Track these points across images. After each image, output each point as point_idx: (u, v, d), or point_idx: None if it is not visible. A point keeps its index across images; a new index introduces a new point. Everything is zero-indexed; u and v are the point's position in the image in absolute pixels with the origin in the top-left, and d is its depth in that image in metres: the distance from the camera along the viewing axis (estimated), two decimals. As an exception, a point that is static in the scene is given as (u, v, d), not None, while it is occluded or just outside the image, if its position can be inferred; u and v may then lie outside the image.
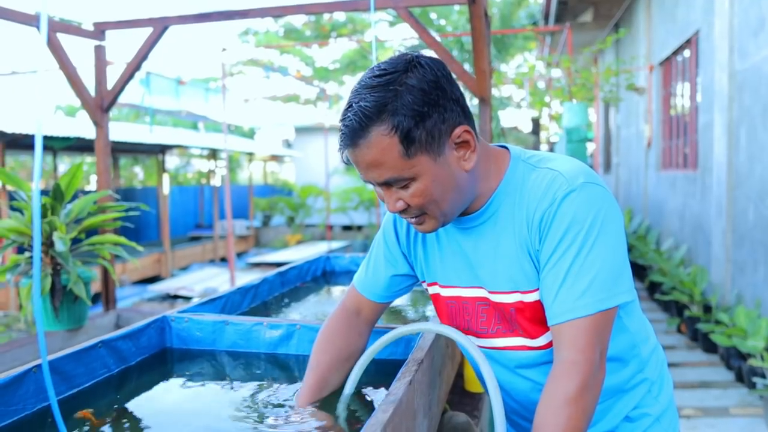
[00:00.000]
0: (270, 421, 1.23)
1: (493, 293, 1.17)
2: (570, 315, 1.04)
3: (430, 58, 1.07)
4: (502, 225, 1.14)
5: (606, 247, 1.05)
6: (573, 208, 1.06)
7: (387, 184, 1.07)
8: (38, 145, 0.85)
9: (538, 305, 1.13)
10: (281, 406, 1.31)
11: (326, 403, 1.28)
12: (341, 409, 1.25)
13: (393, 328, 1.44)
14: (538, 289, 1.12)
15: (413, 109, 1.01)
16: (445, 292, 1.26)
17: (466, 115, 1.09)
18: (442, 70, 1.06)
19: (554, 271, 1.06)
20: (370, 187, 1.15)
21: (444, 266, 1.25)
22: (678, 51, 7.62)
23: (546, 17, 10.93)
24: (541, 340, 1.16)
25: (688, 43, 7.14)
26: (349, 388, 1.29)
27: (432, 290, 1.30)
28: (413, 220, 1.13)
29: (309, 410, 1.25)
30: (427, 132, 1.03)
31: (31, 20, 3.13)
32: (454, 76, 1.11)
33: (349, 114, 1.03)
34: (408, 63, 1.04)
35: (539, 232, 1.09)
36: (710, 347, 5.19)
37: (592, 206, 1.06)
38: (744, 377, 4.42)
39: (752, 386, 4.24)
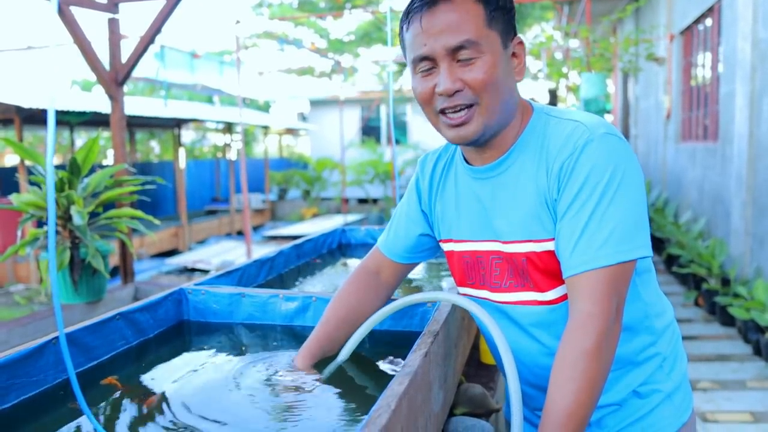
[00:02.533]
0: (265, 378, 1.27)
1: (506, 243, 1.17)
2: (588, 266, 1.03)
3: None
4: (522, 173, 1.14)
5: (626, 198, 1.04)
6: (593, 158, 1.05)
7: (453, 54, 1.07)
8: (51, 118, 0.84)
9: (550, 256, 1.12)
10: (291, 371, 1.32)
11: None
12: (327, 372, 1.28)
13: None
14: (551, 239, 1.11)
15: None
16: (459, 247, 1.26)
17: None
18: None
19: (573, 221, 1.05)
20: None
21: (459, 220, 1.25)
22: (699, 20, 7.46)
23: (564, -15, 10.72)
24: (551, 294, 1.15)
25: (710, 12, 6.98)
26: (343, 355, 1.31)
27: (447, 247, 1.30)
28: (460, 114, 1.10)
29: (300, 373, 1.30)
30: (504, 19, 1.10)
31: (45, -7, 3.12)
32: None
33: None
34: None
35: (558, 181, 1.08)
36: (728, 320, 5.16)
37: (612, 157, 1.05)
38: (762, 350, 4.40)
39: (770, 359, 4.22)
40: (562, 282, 1.13)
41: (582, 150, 1.05)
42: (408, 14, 1.11)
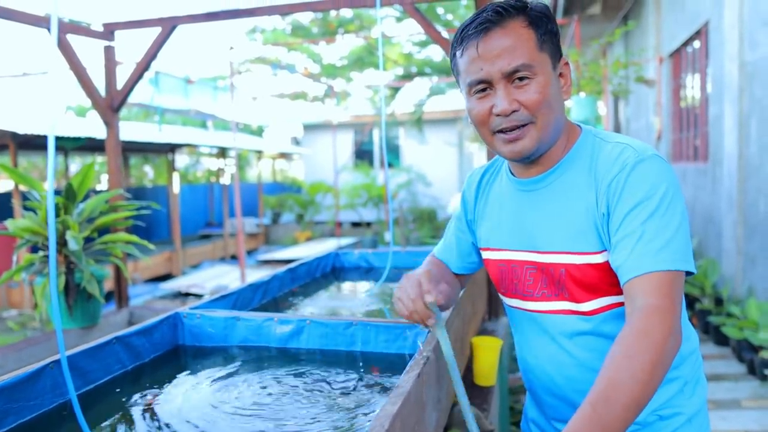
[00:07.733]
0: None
1: (543, 253, 1.20)
2: (651, 268, 1.02)
3: None
4: (568, 188, 1.19)
5: (678, 216, 1.08)
6: (649, 175, 1.09)
7: (509, 77, 1.13)
8: (51, 146, 0.87)
9: (589, 269, 1.15)
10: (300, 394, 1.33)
11: None
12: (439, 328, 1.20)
13: None
14: (592, 253, 1.14)
15: (547, 16, 1.16)
16: (496, 255, 1.32)
17: None
18: None
19: (630, 229, 1.07)
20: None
21: (500, 229, 1.30)
22: (687, 42, 7.57)
23: (554, 10, 10.87)
24: (587, 306, 1.18)
25: (697, 34, 7.09)
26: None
27: (485, 255, 1.36)
28: (515, 132, 1.16)
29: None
30: (553, 42, 1.17)
31: (42, 22, 3.16)
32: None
33: (487, 10, 1.15)
34: None
35: (607, 196, 1.12)
36: (721, 340, 5.17)
37: (664, 176, 1.10)
38: (756, 370, 4.40)
39: (764, 378, 4.23)
40: (598, 295, 1.16)
41: (633, 168, 1.10)
42: (462, 40, 1.17)
